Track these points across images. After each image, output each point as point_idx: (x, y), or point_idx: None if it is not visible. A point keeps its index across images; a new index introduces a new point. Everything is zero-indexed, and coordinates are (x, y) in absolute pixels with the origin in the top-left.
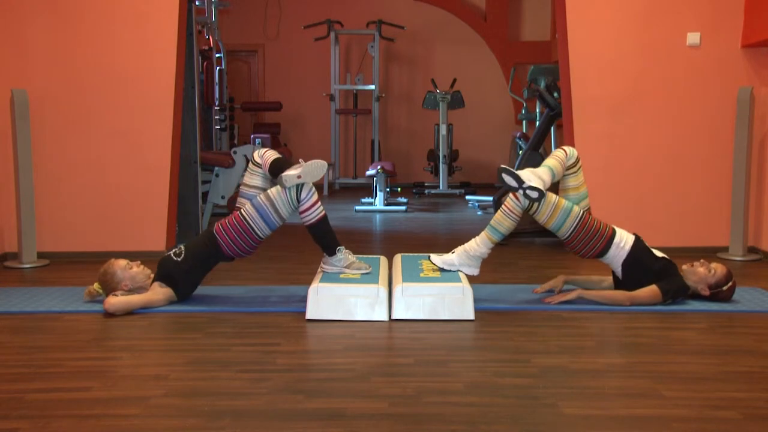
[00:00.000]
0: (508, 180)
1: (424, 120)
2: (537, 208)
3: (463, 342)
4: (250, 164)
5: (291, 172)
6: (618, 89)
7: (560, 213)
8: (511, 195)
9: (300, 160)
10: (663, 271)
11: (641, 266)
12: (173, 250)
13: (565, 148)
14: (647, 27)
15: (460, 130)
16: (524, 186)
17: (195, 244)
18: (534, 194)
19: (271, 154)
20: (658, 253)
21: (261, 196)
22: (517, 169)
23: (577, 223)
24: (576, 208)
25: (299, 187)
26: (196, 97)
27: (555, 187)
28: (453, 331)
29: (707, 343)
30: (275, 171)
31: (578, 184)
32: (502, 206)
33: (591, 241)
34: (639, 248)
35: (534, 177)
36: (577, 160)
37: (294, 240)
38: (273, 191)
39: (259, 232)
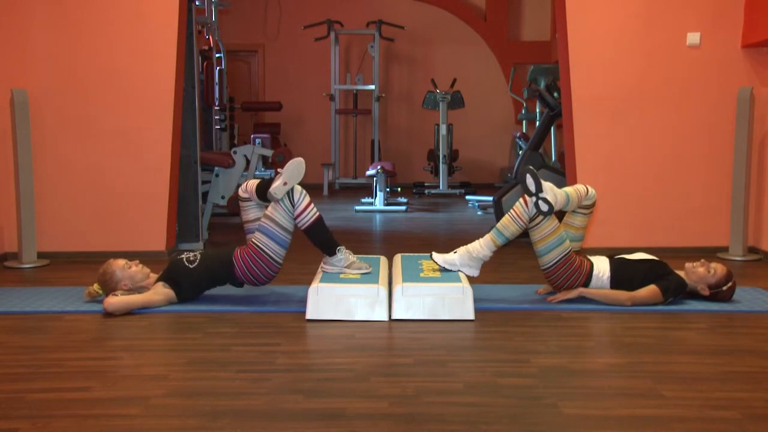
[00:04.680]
0: (530, 182)
1: (424, 120)
2: (539, 223)
3: (463, 342)
4: (240, 202)
5: (275, 184)
6: (618, 89)
7: (554, 239)
8: (521, 200)
9: (277, 170)
10: (652, 273)
11: (627, 280)
12: (187, 255)
13: (588, 187)
14: (647, 27)
15: (460, 130)
16: (540, 195)
17: (212, 259)
18: (545, 207)
19: (252, 183)
20: (639, 255)
21: (262, 219)
22: (517, 170)
23: (562, 257)
24: (567, 243)
25: (290, 194)
26: (196, 97)
27: (559, 218)
28: (453, 331)
29: (707, 343)
30: (262, 193)
31: (582, 226)
32: (510, 211)
33: (571, 277)
34: (616, 267)
35: (550, 192)
36: (594, 204)
37: (294, 240)
38: (269, 209)
39: (273, 255)
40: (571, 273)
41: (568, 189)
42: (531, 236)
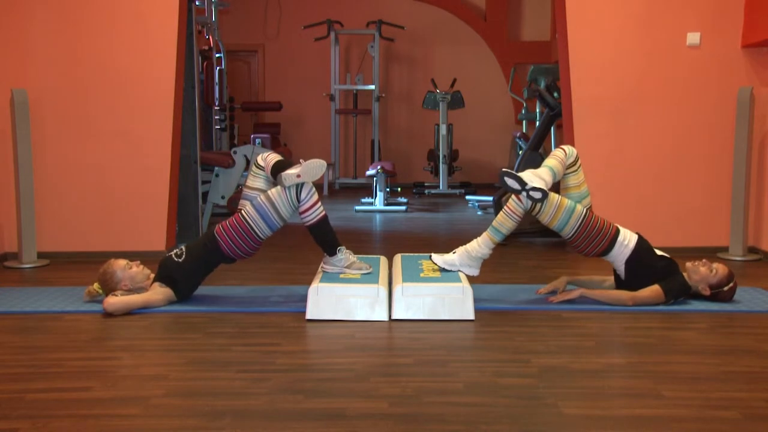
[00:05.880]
0: (511, 183)
1: (424, 120)
2: (540, 209)
3: (463, 342)
4: (253, 167)
5: (290, 171)
6: (618, 89)
7: (563, 213)
8: (513, 196)
9: (300, 160)
10: (665, 271)
11: (644, 265)
12: (174, 251)
13: (564, 147)
14: (647, 27)
15: (460, 130)
16: (527, 187)
17: (196, 245)
18: (538, 195)
19: (273, 157)
20: (660, 253)
21: (261, 196)
22: (517, 170)
23: (581, 222)
24: (579, 207)
25: (299, 187)
26: (196, 97)
27: (556, 187)
28: (453, 331)
29: (707, 343)
30: (276, 172)
31: (579, 183)
32: (504, 207)
33: (595, 239)
34: (642, 247)
35: (536, 178)
36: (577, 159)
37: (294, 240)
38: (273, 191)
39: (259, 233)
40: (595, 234)
41: (548, 162)
42: (542, 222)
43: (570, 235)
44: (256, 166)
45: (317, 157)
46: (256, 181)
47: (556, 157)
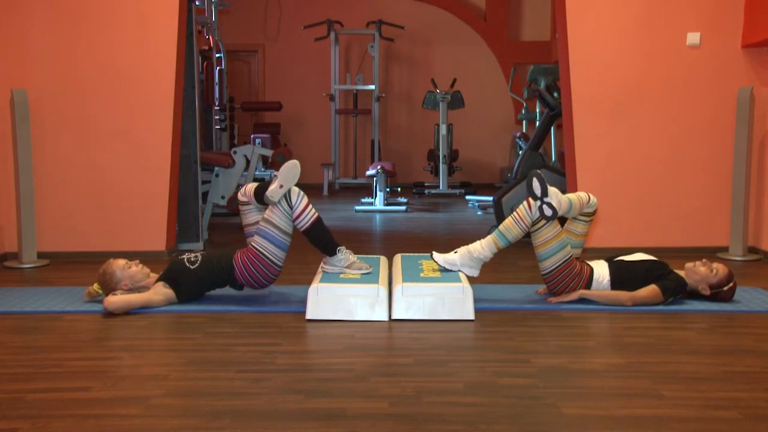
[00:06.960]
0: (536, 186)
1: (424, 120)
2: (541, 227)
3: (463, 342)
4: (240, 206)
5: (272, 187)
6: (618, 89)
7: (556, 244)
8: (525, 203)
9: (274, 174)
10: (651, 273)
11: (629, 280)
12: (188, 256)
13: (590, 195)
14: (647, 27)
15: (460, 130)
16: (545, 200)
17: (213, 261)
18: (548, 212)
19: (251, 186)
20: (637, 256)
21: (261, 223)
22: (517, 170)
23: (563, 262)
24: (569, 248)
25: (288, 196)
26: (196, 97)
27: (560, 224)
28: (453, 331)
29: (707, 343)
30: (260, 196)
31: (583, 233)
32: (513, 213)
33: (571, 282)
34: (616, 270)
35: (555, 198)
36: (595, 212)
37: (294, 240)
38: (267, 212)
39: (273, 258)
40: (571, 278)
41: (571, 196)
42: (533, 240)
43: (549, 270)
44: (241, 204)
45: (317, 157)
46: (248, 216)
47: (580, 197)
